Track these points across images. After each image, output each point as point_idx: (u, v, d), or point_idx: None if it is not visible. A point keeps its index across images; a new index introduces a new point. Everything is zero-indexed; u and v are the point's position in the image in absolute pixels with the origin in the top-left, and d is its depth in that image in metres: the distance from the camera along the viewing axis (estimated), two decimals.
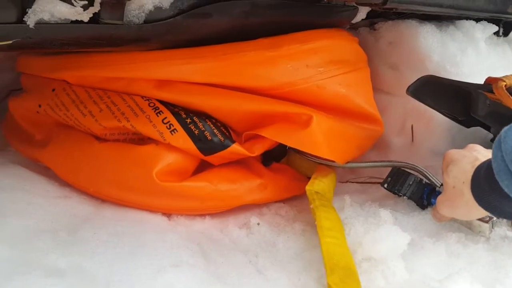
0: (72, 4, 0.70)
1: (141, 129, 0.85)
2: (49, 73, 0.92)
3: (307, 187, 0.87)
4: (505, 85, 0.90)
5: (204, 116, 0.88)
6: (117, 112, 0.86)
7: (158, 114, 0.85)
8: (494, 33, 1.18)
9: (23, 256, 0.64)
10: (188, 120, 0.86)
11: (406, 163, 0.93)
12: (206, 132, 0.86)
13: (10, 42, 0.71)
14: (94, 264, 0.65)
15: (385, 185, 0.92)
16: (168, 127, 0.84)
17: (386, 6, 0.91)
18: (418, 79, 0.95)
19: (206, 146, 0.86)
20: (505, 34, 1.21)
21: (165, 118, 0.85)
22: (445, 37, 1.12)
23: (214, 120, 0.89)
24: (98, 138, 0.87)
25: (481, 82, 1.00)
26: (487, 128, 0.99)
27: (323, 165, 0.95)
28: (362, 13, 1.04)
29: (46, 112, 0.92)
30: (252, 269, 0.75)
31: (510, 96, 0.89)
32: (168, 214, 0.87)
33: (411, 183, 0.91)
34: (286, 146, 0.95)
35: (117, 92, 0.88)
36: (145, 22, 0.79)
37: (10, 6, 0.68)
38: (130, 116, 0.85)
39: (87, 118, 0.87)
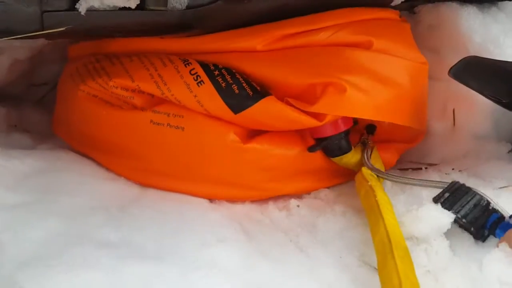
0: None
1: (168, 80, 0.84)
2: (94, 49, 0.95)
3: (364, 168, 0.86)
4: None
5: (234, 70, 0.85)
6: (146, 62, 0.87)
7: (187, 65, 0.85)
8: None
9: (77, 229, 0.68)
10: (216, 72, 0.84)
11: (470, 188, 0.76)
12: (234, 85, 0.83)
13: (63, 29, 0.75)
14: (143, 237, 0.68)
15: (440, 202, 0.74)
16: (195, 78, 0.83)
17: None
18: (460, 60, 0.94)
19: (233, 100, 0.82)
20: None
21: (193, 69, 0.84)
22: (487, 19, 1.10)
23: (245, 76, 0.85)
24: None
25: None
26: None
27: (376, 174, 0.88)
28: None
29: (77, 70, 0.93)
30: (293, 247, 0.76)
31: None
32: (209, 198, 0.89)
33: (475, 204, 0.73)
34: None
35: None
36: (188, 8, 0.82)
37: None
38: (159, 66, 0.86)
39: (117, 67, 0.88)
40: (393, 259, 0.65)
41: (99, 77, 0.89)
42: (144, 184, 0.89)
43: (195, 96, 0.83)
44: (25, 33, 0.74)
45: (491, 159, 1.03)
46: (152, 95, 0.87)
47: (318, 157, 0.91)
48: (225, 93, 0.83)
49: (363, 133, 0.95)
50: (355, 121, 0.92)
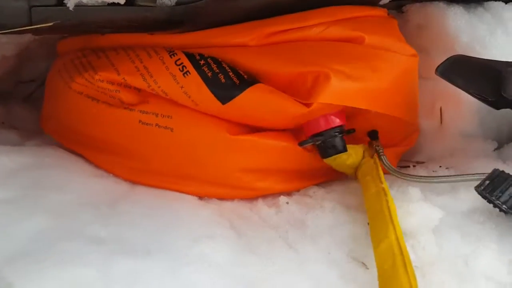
0: None
1: (154, 71, 0.84)
2: (82, 44, 0.94)
3: (378, 169, 0.86)
4: None
5: (221, 59, 0.85)
6: (132, 54, 0.86)
7: (172, 55, 0.85)
8: None
9: (65, 225, 0.68)
10: (202, 62, 0.84)
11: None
12: (220, 74, 0.83)
13: (51, 24, 0.74)
14: (133, 233, 0.68)
15: (481, 188, 0.77)
16: (181, 69, 0.83)
17: None
18: (447, 58, 0.95)
19: (220, 90, 0.82)
20: None
21: (178, 59, 0.84)
22: (473, 19, 1.11)
23: (232, 65, 0.85)
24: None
25: None
26: None
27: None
28: None
29: (64, 66, 0.92)
30: (282, 243, 0.76)
31: None
32: (199, 196, 0.88)
33: None
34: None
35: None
36: (177, 4, 0.82)
37: None
38: (144, 58, 0.85)
39: (103, 61, 0.87)
40: (407, 275, 0.63)
41: (85, 72, 0.88)
42: (134, 182, 0.88)
43: (182, 87, 0.83)
44: (12, 28, 0.73)
45: (478, 157, 1.04)
46: (139, 90, 0.87)
47: (309, 156, 0.91)
48: (211, 83, 0.83)
49: (367, 141, 0.94)
50: (352, 129, 0.92)
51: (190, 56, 0.85)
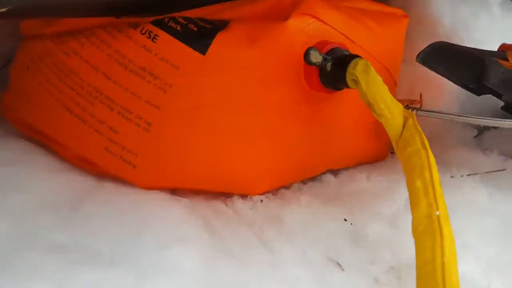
0: None
1: (125, 52, 0.78)
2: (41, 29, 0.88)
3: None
4: None
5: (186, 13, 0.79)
6: (96, 41, 0.81)
7: (135, 28, 0.79)
8: None
9: (24, 232, 0.64)
10: (166, 20, 0.78)
11: None
12: (190, 25, 0.78)
13: (4, 10, 0.68)
14: (97, 239, 0.64)
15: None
16: (148, 35, 0.78)
17: None
18: (428, 45, 0.92)
19: (195, 39, 0.76)
20: None
21: (143, 28, 0.78)
22: (456, 1, 1.08)
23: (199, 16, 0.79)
24: None
25: (495, 48, 0.96)
26: (498, 96, 0.96)
27: None
28: None
29: (34, 62, 0.87)
30: (257, 242, 0.74)
31: None
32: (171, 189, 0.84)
33: None
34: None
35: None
36: None
37: None
38: (111, 41, 0.80)
39: (73, 59, 0.82)
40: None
41: (65, 77, 0.83)
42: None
43: (156, 54, 0.77)
44: None
45: (457, 145, 1.03)
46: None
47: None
48: (183, 36, 0.77)
49: None
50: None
51: (155, 21, 0.79)
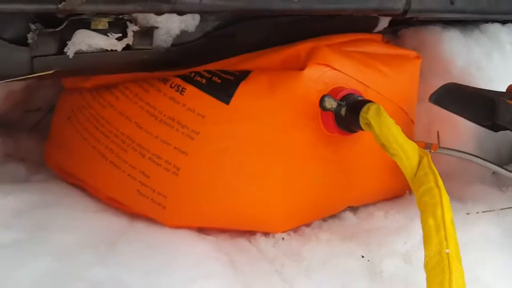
0: (108, 36, 0.76)
1: (155, 104, 0.86)
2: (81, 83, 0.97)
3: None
4: None
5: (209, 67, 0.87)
6: (129, 94, 0.89)
7: (165, 82, 0.87)
8: None
9: (66, 268, 0.70)
10: (193, 74, 0.86)
11: None
12: (214, 77, 0.86)
13: (52, 71, 0.77)
14: (131, 275, 0.70)
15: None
16: (177, 89, 0.85)
17: (407, 16, 0.93)
18: (441, 87, 0.97)
19: (219, 91, 0.84)
20: None
21: (172, 82, 0.87)
22: (469, 42, 1.13)
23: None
24: None
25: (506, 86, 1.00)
26: None
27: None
28: (383, 22, 1.06)
29: (74, 113, 0.96)
30: (277, 278, 0.78)
31: None
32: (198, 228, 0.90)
33: None
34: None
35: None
36: (173, 45, 0.84)
37: (51, 40, 0.74)
38: (142, 94, 0.87)
39: (107, 109, 0.90)
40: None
41: (101, 126, 0.91)
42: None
43: (184, 105, 0.85)
44: (15, 77, 0.76)
45: (474, 181, 1.05)
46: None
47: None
48: (208, 88, 0.85)
49: None
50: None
51: (182, 76, 0.87)
